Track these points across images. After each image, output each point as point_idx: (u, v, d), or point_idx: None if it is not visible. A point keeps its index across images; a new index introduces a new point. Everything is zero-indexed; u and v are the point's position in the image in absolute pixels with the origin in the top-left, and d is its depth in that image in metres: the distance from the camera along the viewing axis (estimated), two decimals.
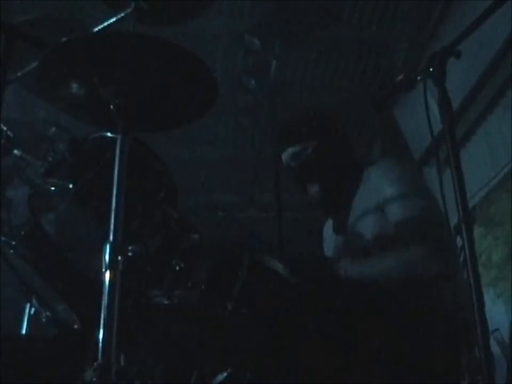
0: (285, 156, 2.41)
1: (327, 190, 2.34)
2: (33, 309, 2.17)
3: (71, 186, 1.77)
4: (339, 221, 2.41)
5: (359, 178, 2.29)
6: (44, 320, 2.07)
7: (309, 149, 2.34)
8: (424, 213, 2.08)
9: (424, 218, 2.07)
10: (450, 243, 2.09)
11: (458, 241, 1.53)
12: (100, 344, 1.39)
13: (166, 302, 1.68)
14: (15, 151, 2.02)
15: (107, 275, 1.46)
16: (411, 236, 2.05)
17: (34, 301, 2.08)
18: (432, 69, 1.61)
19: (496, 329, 3.27)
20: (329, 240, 2.52)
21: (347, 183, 2.33)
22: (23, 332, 2.25)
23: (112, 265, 1.47)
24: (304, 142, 2.35)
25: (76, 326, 1.95)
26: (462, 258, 1.61)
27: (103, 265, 1.47)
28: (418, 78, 1.67)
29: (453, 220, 1.60)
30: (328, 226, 2.56)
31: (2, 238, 1.93)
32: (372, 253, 2.16)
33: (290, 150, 2.37)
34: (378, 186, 2.19)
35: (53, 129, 2.06)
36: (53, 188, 1.83)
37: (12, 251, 1.94)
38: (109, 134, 1.87)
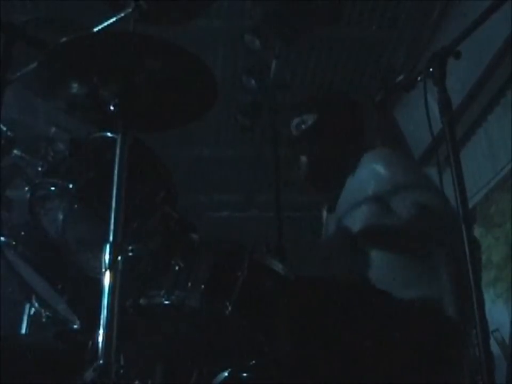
0: (291, 127, 2.52)
1: (315, 162, 2.39)
2: (33, 309, 2.17)
3: (71, 186, 1.77)
4: (330, 200, 2.42)
5: (356, 161, 2.30)
6: (44, 320, 2.07)
7: (309, 121, 2.43)
8: (432, 206, 2.04)
9: (433, 211, 2.03)
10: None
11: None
12: (100, 344, 1.40)
13: (166, 302, 1.68)
14: (15, 151, 2.02)
15: (107, 275, 1.46)
16: (422, 229, 2.02)
17: (34, 301, 2.08)
18: (432, 69, 1.61)
19: (496, 329, 3.27)
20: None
21: (340, 161, 2.37)
22: (23, 331, 2.25)
23: (112, 265, 1.47)
24: (306, 114, 2.46)
25: (76, 326, 1.95)
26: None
27: (103, 265, 1.47)
28: (418, 78, 1.67)
29: None
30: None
31: (2, 238, 1.93)
32: (362, 243, 2.13)
33: (295, 120, 2.49)
34: (378, 174, 2.17)
35: (53, 129, 2.06)
36: (53, 188, 1.83)
37: (12, 251, 1.94)
38: (109, 134, 1.87)
